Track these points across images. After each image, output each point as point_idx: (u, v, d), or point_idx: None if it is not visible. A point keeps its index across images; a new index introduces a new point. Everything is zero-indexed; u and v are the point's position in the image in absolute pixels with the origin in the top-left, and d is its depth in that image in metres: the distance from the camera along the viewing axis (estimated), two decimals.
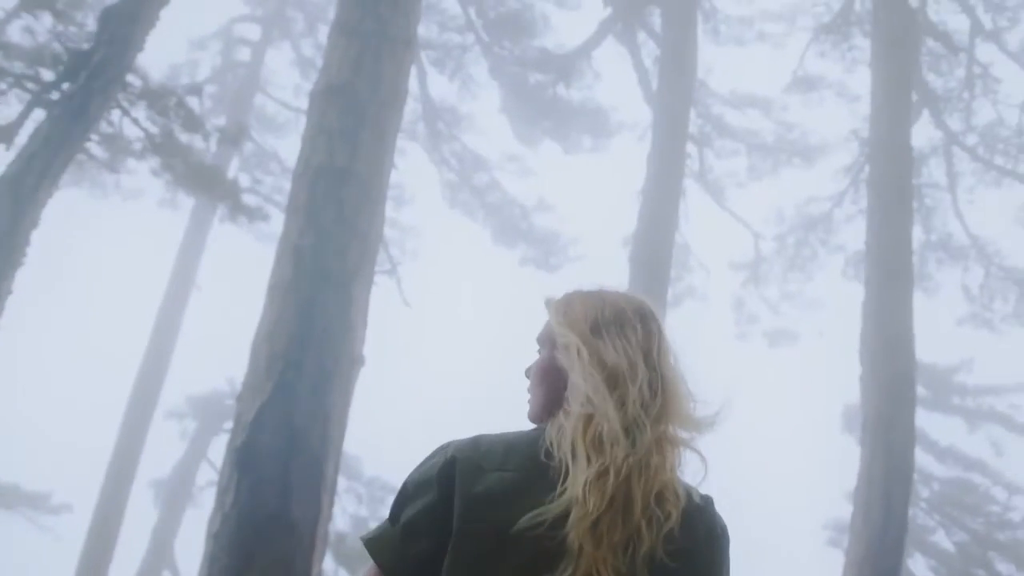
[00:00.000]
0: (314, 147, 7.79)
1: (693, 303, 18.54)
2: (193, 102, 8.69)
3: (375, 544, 1.50)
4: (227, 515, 6.63)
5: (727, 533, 1.57)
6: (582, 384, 1.49)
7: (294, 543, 6.60)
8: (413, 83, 18.55)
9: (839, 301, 21.01)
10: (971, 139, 17.26)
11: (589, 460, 1.42)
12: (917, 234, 14.33)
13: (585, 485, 1.39)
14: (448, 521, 1.43)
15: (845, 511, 20.66)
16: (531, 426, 1.62)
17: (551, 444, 1.46)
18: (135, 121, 8.26)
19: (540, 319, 1.71)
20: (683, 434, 1.52)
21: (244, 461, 6.69)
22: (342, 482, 24.29)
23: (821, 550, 19.52)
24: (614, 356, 1.52)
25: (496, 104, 19.08)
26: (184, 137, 8.78)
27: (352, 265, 7.41)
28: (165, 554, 18.26)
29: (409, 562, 1.45)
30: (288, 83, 20.93)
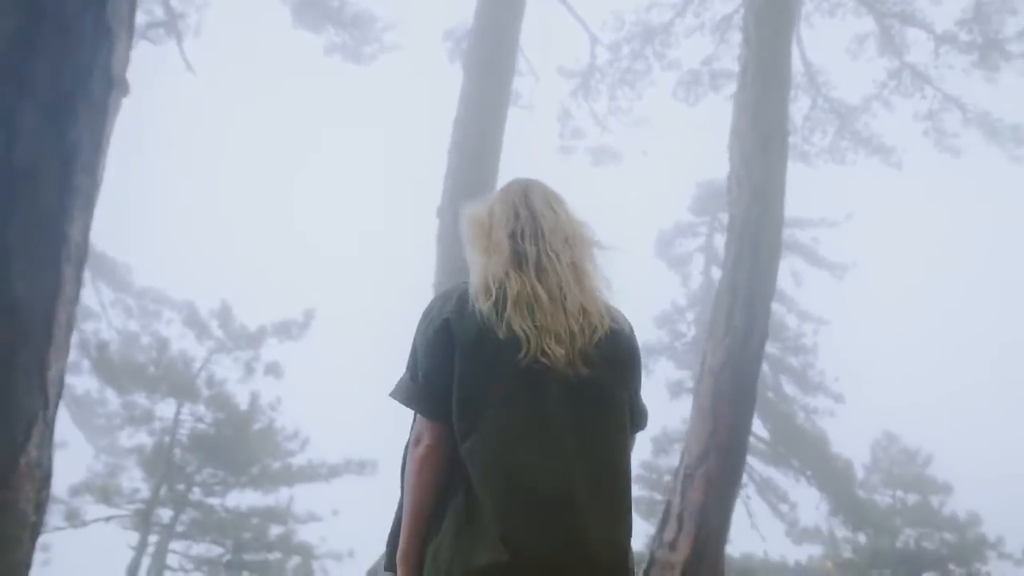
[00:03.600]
0: None
1: (516, 111, 17.04)
2: None
3: (411, 400, 2.07)
4: None
5: (639, 355, 2.22)
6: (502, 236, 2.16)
7: (16, 328, 4.65)
8: None
9: (665, 123, 20.34)
10: None
11: (499, 287, 2.06)
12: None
13: (504, 304, 2.03)
14: (453, 364, 2.02)
15: (652, 335, 21.07)
16: None
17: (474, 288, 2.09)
18: None
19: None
20: (589, 257, 2.13)
21: None
22: (108, 293, 21.31)
23: None
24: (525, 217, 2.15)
25: None
26: None
27: None
28: None
29: (436, 402, 2.03)
30: None
